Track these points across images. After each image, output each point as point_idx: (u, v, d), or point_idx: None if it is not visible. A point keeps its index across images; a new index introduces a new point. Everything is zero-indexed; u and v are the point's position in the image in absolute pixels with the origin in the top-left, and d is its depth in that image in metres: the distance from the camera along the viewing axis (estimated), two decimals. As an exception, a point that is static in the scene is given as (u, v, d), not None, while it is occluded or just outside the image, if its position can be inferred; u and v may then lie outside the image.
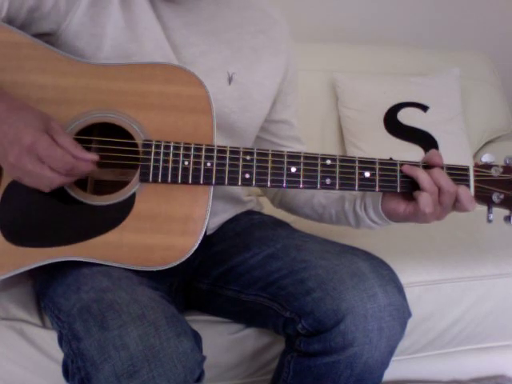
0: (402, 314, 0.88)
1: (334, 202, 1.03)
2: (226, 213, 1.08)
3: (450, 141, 1.69)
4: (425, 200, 0.85)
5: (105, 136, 0.87)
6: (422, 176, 0.86)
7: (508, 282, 1.25)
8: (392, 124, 1.68)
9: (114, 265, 0.84)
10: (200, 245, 0.85)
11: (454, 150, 1.69)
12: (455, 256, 1.26)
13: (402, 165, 0.88)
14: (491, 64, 1.95)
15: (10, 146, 0.76)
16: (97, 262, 0.84)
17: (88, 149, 0.84)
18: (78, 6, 0.89)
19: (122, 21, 0.91)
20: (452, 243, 1.32)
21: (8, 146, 0.77)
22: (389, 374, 0.94)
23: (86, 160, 0.80)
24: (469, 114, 1.82)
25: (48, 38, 0.90)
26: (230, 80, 0.98)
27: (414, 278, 1.18)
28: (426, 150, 1.64)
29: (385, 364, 0.90)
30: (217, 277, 1.02)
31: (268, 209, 1.19)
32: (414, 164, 0.89)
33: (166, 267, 0.84)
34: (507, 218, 0.90)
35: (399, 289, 0.89)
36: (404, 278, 0.93)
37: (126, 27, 0.91)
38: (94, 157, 0.80)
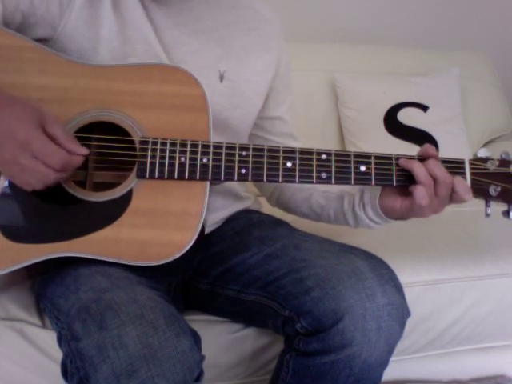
0: (401, 313, 0.88)
1: (333, 202, 1.03)
2: (226, 209, 1.08)
3: (450, 141, 1.70)
4: (420, 192, 0.85)
5: (104, 135, 0.87)
6: (416, 168, 0.86)
7: (508, 281, 1.25)
8: (392, 124, 1.68)
9: (111, 260, 0.84)
10: (199, 244, 0.86)
11: (454, 150, 1.69)
12: (455, 256, 1.26)
13: (397, 158, 0.89)
14: (491, 64, 1.95)
15: (4, 142, 0.76)
16: (94, 257, 0.84)
17: (87, 146, 0.85)
18: (71, 9, 0.90)
19: (114, 24, 0.92)
20: (451, 243, 1.32)
21: (2, 143, 0.77)
22: (388, 373, 0.94)
23: (76, 153, 0.80)
24: (469, 113, 1.82)
25: (45, 43, 0.91)
26: (221, 78, 0.98)
27: (413, 278, 1.18)
28: (425, 149, 1.65)
29: (384, 364, 0.90)
30: (216, 276, 1.02)
31: (267, 208, 1.19)
32: (410, 157, 0.89)
33: (163, 262, 0.84)
34: (506, 213, 0.90)
35: (398, 288, 0.89)
36: (403, 278, 0.93)
37: (118, 30, 0.92)
38: (84, 151, 0.81)
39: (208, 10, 0.99)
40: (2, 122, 0.77)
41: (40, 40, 0.90)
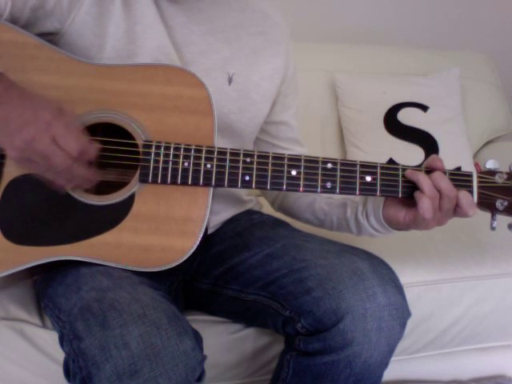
0: (402, 313, 0.88)
1: (336, 208, 1.03)
2: (227, 212, 1.08)
3: (450, 141, 1.69)
4: (425, 205, 0.84)
5: (106, 136, 0.87)
6: (422, 179, 0.85)
7: (508, 281, 1.25)
8: (392, 124, 1.68)
9: (112, 265, 0.84)
10: (200, 245, 0.85)
11: (454, 150, 1.69)
12: (455, 256, 1.26)
13: (404, 170, 0.88)
14: (491, 64, 1.95)
15: (25, 125, 0.76)
16: (95, 261, 0.84)
17: None
18: (81, 4, 0.89)
19: (123, 21, 0.91)
20: (452, 243, 1.32)
21: (22, 126, 0.76)
22: (389, 373, 0.94)
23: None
24: (469, 114, 1.81)
25: (52, 36, 0.91)
26: (230, 80, 0.98)
27: (413, 278, 1.18)
28: (426, 150, 1.64)
29: (384, 364, 0.90)
30: (217, 276, 1.02)
31: (267, 208, 1.19)
32: (416, 169, 0.88)
33: (165, 268, 0.84)
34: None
35: (399, 288, 0.89)
36: (404, 278, 0.94)
37: (127, 28, 0.91)
38: (96, 146, 0.81)
39: (217, 12, 0.99)
40: (25, 108, 0.77)
41: (47, 34, 0.90)
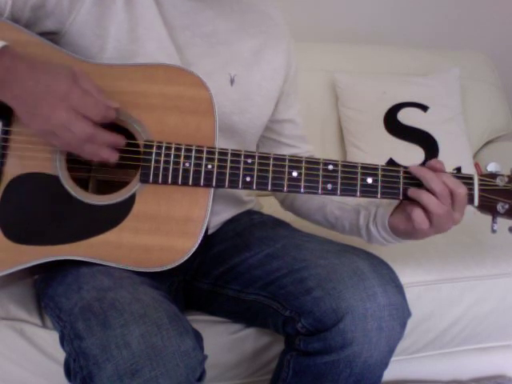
0: (402, 313, 0.88)
1: (348, 214, 1.02)
2: (227, 212, 1.08)
3: (450, 141, 1.69)
4: (418, 218, 0.84)
5: None
6: (429, 175, 0.84)
7: (508, 281, 1.25)
8: (392, 124, 1.68)
9: (112, 265, 0.84)
10: (200, 245, 0.85)
11: (454, 150, 1.69)
12: (455, 256, 1.26)
13: (405, 172, 0.87)
14: (491, 64, 1.95)
15: (42, 98, 0.77)
16: (95, 261, 0.84)
17: None
18: (81, 4, 0.89)
19: (125, 22, 0.91)
20: (452, 243, 1.31)
21: (39, 100, 0.77)
22: (389, 373, 0.94)
23: (109, 106, 0.81)
24: (469, 114, 1.82)
25: (53, 36, 0.90)
26: (231, 82, 0.98)
27: (413, 278, 1.18)
28: (426, 149, 1.64)
29: (384, 364, 0.90)
30: (217, 276, 1.02)
31: (267, 209, 1.19)
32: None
33: (165, 268, 0.84)
34: None
35: (399, 288, 0.89)
36: (404, 278, 0.94)
37: (129, 28, 0.91)
38: (115, 104, 0.82)
39: (219, 14, 0.99)
40: (39, 80, 0.77)
41: (48, 33, 0.90)
